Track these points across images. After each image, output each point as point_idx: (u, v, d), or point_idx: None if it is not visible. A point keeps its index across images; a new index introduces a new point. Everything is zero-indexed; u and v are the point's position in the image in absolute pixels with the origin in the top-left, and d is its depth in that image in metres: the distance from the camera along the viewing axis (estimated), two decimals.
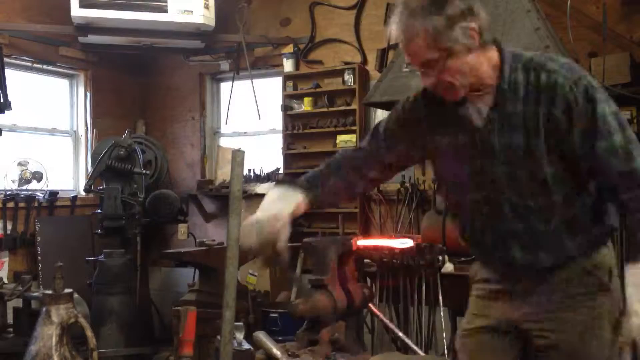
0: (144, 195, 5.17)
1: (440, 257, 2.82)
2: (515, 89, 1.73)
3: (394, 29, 1.69)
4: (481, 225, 1.85)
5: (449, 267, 2.97)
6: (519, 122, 1.70)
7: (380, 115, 5.50)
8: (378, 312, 3.07)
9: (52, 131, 5.91)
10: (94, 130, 5.96)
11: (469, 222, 1.89)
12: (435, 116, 1.82)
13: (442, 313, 2.87)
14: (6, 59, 4.94)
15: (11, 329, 3.13)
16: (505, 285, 1.87)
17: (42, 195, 5.34)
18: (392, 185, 5.39)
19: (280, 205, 1.74)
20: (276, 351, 1.49)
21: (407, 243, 1.77)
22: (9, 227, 5.12)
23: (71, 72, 5.96)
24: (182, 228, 5.84)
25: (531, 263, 1.77)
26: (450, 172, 1.87)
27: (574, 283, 1.77)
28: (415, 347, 2.88)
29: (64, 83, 6.03)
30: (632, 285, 1.61)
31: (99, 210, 5.27)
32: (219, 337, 1.58)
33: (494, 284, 1.92)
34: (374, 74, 5.41)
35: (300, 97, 5.71)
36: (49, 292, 1.54)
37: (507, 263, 1.81)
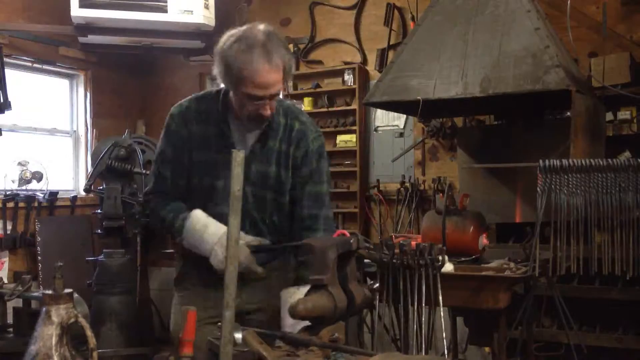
0: (144, 195, 5.16)
1: (440, 257, 2.82)
2: (276, 129, 2.14)
3: (249, 62, 1.91)
4: None
5: (449, 267, 2.96)
6: (273, 156, 2.13)
7: (380, 115, 5.51)
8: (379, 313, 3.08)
9: (52, 131, 5.91)
10: (94, 130, 5.96)
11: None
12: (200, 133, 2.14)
13: (442, 313, 2.87)
14: (6, 59, 4.94)
15: (11, 329, 3.13)
16: None
17: (42, 195, 5.34)
18: (392, 185, 5.40)
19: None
20: (263, 351, 1.49)
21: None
22: (9, 227, 5.12)
23: (71, 72, 5.96)
24: None
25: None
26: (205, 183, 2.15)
27: None
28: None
29: (64, 83, 6.03)
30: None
31: (99, 210, 5.27)
32: (210, 338, 1.58)
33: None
34: (374, 74, 5.41)
35: (300, 97, 5.71)
36: (49, 292, 1.54)
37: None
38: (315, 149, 2.19)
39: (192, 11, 5.29)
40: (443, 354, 3.03)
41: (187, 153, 2.14)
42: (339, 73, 5.59)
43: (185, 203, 2.16)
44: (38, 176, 5.37)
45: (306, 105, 5.65)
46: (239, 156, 1.28)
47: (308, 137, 2.17)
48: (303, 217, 2.17)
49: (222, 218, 2.03)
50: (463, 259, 3.26)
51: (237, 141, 2.12)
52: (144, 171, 5.16)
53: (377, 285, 1.89)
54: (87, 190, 5.23)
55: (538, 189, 2.97)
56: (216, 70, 2.04)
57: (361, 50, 5.57)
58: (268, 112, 2.03)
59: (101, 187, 5.19)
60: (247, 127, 2.12)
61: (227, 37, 2.01)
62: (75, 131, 6.05)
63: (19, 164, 5.32)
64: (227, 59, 1.96)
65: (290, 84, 2.14)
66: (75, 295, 1.71)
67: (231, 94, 2.10)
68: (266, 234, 2.17)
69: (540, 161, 2.97)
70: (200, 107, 2.17)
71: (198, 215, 2.09)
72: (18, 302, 3.02)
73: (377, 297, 2.90)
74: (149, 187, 2.24)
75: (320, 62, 5.78)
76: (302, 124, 2.19)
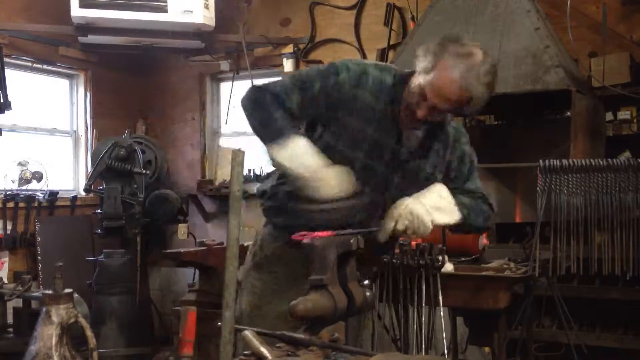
0: (144, 195, 5.17)
1: (440, 257, 2.82)
2: (438, 132, 2.15)
3: (455, 72, 1.89)
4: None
5: (449, 267, 2.97)
6: (432, 158, 2.13)
7: None
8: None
9: (52, 131, 5.91)
10: (94, 130, 5.96)
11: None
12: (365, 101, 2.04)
13: (442, 313, 2.87)
14: (6, 59, 4.94)
15: (11, 329, 3.13)
16: None
17: (42, 195, 5.33)
18: None
19: None
20: (264, 350, 1.49)
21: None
22: (9, 227, 5.11)
23: (71, 72, 5.96)
24: (182, 228, 5.84)
25: None
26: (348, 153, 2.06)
27: None
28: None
29: (64, 83, 6.03)
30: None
31: (99, 210, 5.27)
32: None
33: None
34: None
35: None
36: (49, 292, 1.54)
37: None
38: (470, 151, 2.29)
39: (192, 11, 5.29)
40: (443, 354, 3.04)
41: (335, 112, 2.04)
42: None
43: None
44: (38, 176, 5.37)
45: None
46: (238, 156, 1.28)
47: (462, 140, 2.25)
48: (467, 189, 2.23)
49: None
50: (463, 259, 3.26)
51: (404, 130, 2.08)
52: (144, 171, 5.16)
53: (367, 282, 1.86)
54: (87, 190, 5.22)
55: (538, 189, 2.97)
56: (424, 50, 1.98)
57: (361, 50, 5.57)
58: (422, 116, 1.99)
59: (101, 187, 5.19)
60: (412, 125, 2.08)
61: (448, 40, 1.98)
62: (75, 131, 6.05)
63: (19, 164, 5.32)
64: (433, 54, 1.93)
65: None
66: (75, 295, 1.71)
67: (413, 81, 2.01)
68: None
69: (540, 161, 2.98)
70: (380, 78, 2.06)
71: (306, 141, 2.00)
72: (18, 302, 3.02)
73: (377, 297, 2.91)
74: (274, 86, 2.08)
75: (320, 62, 5.78)
76: (455, 130, 2.25)
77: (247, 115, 2.12)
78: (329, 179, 1.96)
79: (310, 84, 2.04)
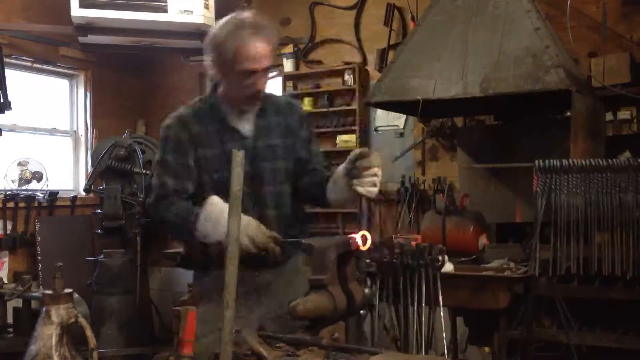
0: (144, 195, 5.17)
1: (440, 257, 2.82)
2: (269, 104, 2.27)
3: (240, 38, 2.04)
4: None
5: (449, 267, 2.97)
6: (276, 129, 2.24)
7: (380, 115, 5.51)
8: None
9: (52, 131, 5.91)
10: (94, 130, 5.96)
11: None
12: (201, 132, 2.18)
13: (442, 313, 2.87)
14: (6, 59, 4.94)
15: (11, 329, 3.13)
16: None
17: (42, 195, 5.33)
18: (392, 185, 5.39)
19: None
20: (262, 350, 1.49)
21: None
22: (9, 227, 5.11)
23: (71, 72, 5.96)
24: None
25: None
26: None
27: None
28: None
29: (64, 83, 6.03)
30: None
31: (99, 210, 5.27)
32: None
33: None
34: (374, 74, 5.41)
35: (300, 97, 5.71)
36: (49, 292, 1.54)
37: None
38: (304, 114, 2.41)
39: (192, 11, 5.29)
40: (443, 354, 3.04)
41: (191, 154, 2.16)
42: (339, 73, 5.59)
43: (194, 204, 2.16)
44: (38, 176, 5.37)
45: (306, 105, 5.65)
46: (238, 156, 1.28)
47: (294, 106, 2.35)
48: (321, 171, 2.28)
49: None
50: (463, 259, 3.27)
51: (237, 125, 2.20)
52: (144, 171, 5.16)
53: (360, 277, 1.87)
54: (87, 190, 5.23)
55: (538, 189, 2.97)
56: (208, 61, 2.14)
57: (361, 50, 5.57)
58: (264, 86, 2.14)
59: (101, 187, 5.19)
60: (242, 111, 2.20)
61: (214, 27, 2.17)
62: (75, 131, 6.05)
63: (19, 164, 5.32)
64: (218, 42, 2.09)
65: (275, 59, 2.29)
66: (75, 295, 1.71)
67: (221, 87, 2.20)
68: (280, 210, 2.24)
69: (537, 161, 2.97)
70: (195, 109, 2.22)
71: (215, 201, 2.06)
72: (18, 302, 3.02)
73: (377, 297, 2.91)
74: (152, 197, 2.20)
75: (320, 62, 5.78)
76: (283, 98, 2.43)
77: (171, 234, 2.26)
78: (243, 237, 1.96)
79: (165, 163, 2.18)
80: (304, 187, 2.28)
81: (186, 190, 2.16)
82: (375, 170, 2.02)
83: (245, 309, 2.08)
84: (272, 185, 2.20)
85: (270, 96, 2.30)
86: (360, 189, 2.01)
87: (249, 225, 1.98)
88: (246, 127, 2.20)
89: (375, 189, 2.04)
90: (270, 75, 2.21)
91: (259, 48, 2.06)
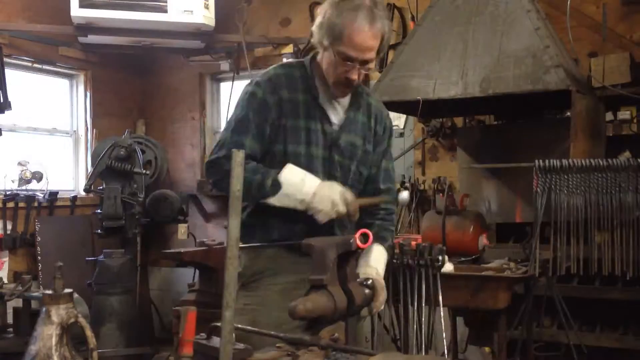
0: (144, 195, 5.17)
1: (440, 257, 2.82)
2: (360, 102, 2.22)
3: (353, 20, 1.94)
4: None
5: (449, 267, 2.97)
6: (360, 129, 2.18)
7: None
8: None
9: (52, 131, 5.91)
10: (94, 130, 5.96)
11: None
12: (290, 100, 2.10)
13: (442, 313, 2.87)
14: (6, 59, 4.94)
15: (11, 329, 3.13)
16: None
17: (42, 195, 5.33)
18: None
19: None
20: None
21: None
22: (9, 227, 5.11)
23: (71, 72, 5.96)
24: (182, 228, 5.84)
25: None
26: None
27: None
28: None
29: (64, 83, 6.03)
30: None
31: (99, 210, 5.27)
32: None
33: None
34: (374, 74, 5.41)
35: None
36: (49, 292, 1.54)
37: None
38: (389, 126, 2.31)
39: (192, 11, 5.29)
40: (443, 354, 3.04)
41: (274, 120, 2.08)
42: None
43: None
44: (38, 176, 5.37)
45: None
46: (238, 156, 1.28)
47: (384, 113, 2.27)
48: (381, 191, 2.24)
49: None
50: (463, 259, 3.27)
51: (327, 108, 2.13)
52: (144, 171, 5.16)
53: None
54: (87, 190, 5.22)
55: (537, 189, 2.97)
56: (316, 23, 2.04)
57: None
58: (356, 77, 2.03)
59: (101, 187, 5.19)
60: (333, 95, 2.12)
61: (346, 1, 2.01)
62: (75, 131, 6.05)
63: (19, 164, 5.32)
64: (332, 13, 1.98)
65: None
66: (75, 295, 1.71)
67: (320, 56, 2.10)
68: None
69: (536, 161, 2.97)
70: (289, 73, 2.13)
71: (293, 169, 2.03)
72: (18, 302, 3.02)
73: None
74: (219, 153, 2.08)
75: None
76: (376, 101, 2.30)
77: (227, 192, 2.10)
78: (326, 200, 1.99)
79: (245, 121, 2.09)
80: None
81: (257, 156, 2.08)
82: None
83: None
84: (342, 183, 2.12)
85: (365, 93, 2.23)
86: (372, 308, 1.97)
87: (333, 187, 1.99)
88: (335, 114, 2.14)
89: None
90: (370, 70, 2.09)
91: (367, 38, 1.97)
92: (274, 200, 2.02)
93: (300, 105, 2.09)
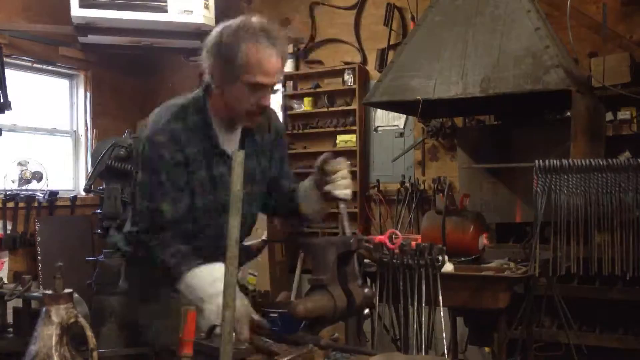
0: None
1: (440, 257, 2.82)
2: None
3: (256, 48, 1.86)
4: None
5: (449, 267, 2.96)
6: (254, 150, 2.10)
7: (380, 115, 5.51)
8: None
9: (52, 131, 5.91)
10: (94, 130, 5.96)
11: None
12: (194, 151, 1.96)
13: (442, 313, 2.87)
14: (6, 59, 4.94)
15: (11, 329, 3.12)
16: None
17: (42, 195, 5.33)
18: (392, 185, 5.40)
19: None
20: (275, 348, 1.49)
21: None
22: (9, 227, 5.11)
23: (71, 72, 5.96)
24: None
25: None
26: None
27: None
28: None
29: (64, 83, 6.03)
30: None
31: (99, 210, 5.26)
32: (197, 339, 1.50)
33: None
34: (374, 74, 5.41)
35: (300, 97, 5.71)
36: (49, 292, 1.54)
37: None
38: (282, 129, 2.27)
39: (192, 11, 5.30)
40: (443, 354, 3.03)
41: (186, 176, 1.95)
42: (339, 73, 5.59)
43: (189, 230, 1.98)
44: (38, 176, 5.37)
45: (306, 105, 5.65)
46: (239, 156, 1.28)
47: (277, 126, 2.22)
48: (288, 190, 2.23)
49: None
50: (463, 259, 3.26)
51: (227, 148, 2.02)
52: None
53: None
54: (87, 190, 5.22)
55: (537, 190, 2.97)
56: (209, 65, 1.92)
57: (361, 50, 5.57)
58: (269, 102, 1.96)
59: (101, 187, 5.19)
60: (231, 127, 2.03)
61: (223, 28, 1.95)
62: (75, 131, 6.05)
63: (19, 164, 5.32)
64: (227, 45, 1.88)
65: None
66: (75, 295, 1.70)
67: (217, 92, 1.96)
68: (244, 231, 2.16)
69: (537, 161, 2.97)
70: (185, 125, 1.97)
71: (205, 270, 1.85)
72: (18, 302, 3.02)
73: (377, 297, 2.91)
74: (142, 225, 1.96)
75: (320, 62, 5.78)
76: (265, 114, 2.15)
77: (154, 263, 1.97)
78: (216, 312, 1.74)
79: (160, 185, 1.93)
80: (275, 204, 2.23)
81: (182, 219, 1.94)
82: (345, 172, 1.99)
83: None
84: (246, 207, 1.98)
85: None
86: (336, 192, 1.98)
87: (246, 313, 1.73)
88: (232, 147, 2.03)
89: (349, 191, 2.00)
90: (276, 91, 2.06)
91: (273, 62, 1.89)
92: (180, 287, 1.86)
93: (202, 155, 1.97)
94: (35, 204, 5.28)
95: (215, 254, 1.87)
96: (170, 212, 1.92)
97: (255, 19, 1.96)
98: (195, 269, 1.82)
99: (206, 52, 1.94)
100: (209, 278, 1.79)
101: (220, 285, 1.42)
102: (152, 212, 1.92)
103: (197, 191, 1.99)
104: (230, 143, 2.04)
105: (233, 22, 1.96)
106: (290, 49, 5.72)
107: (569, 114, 3.73)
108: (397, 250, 2.89)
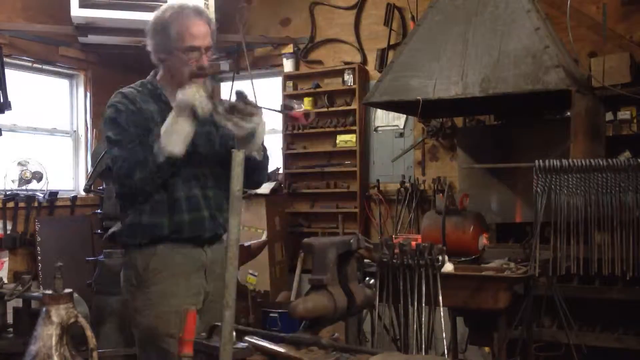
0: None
1: (440, 257, 2.82)
2: None
3: (183, 17, 2.17)
4: None
5: (449, 267, 2.97)
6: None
7: (380, 115, 5.51)
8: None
9: (52, 131, 5.91)
10: (94, 130, 5.96)
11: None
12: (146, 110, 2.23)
13: (442, 313, 2.87)
14: (6, 59, 4.94)
15: (11, 329, 3.12)
16: None
17: (42, 195, 5.33)
18: (392, 185, 5.40)
19: None
20: (279, 349, 1.49)
21: None
22: (9, 227, 5.11)
23: (71, 72, 5.96)
24: None
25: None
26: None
27: None
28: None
29: (64, 83, 6.03)
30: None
31: (99, 210, 5.27)
32: (197, 338, 1.53)
33: None
34: (374, 74, 5.41)
35: (300, 97, 5.71)
36: (49, 292, 1.54)
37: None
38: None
39: None
40: (443, 354, 3.04)
41: (146, 129, 2.17)
42: (339, 73, 5.59)
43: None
44: (38, 176, 5.37)
45: (306, 105, 5.65)
46: (238, 156, 1.28)
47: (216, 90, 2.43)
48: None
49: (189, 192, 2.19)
50: (463, 259, 3.26)
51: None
52: None
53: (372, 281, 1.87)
54: (87, 190, 5.22)
55: (537, 190, 2.97)
56: (151, 44, 2.27)
57: (361, 50, 5.57)
58: (206, 62, 2.19)
59: (101, 187, 5.19)
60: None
61: (156, 12, 2.26)
62: (75, 131, 6.05)
63: (19, 164, 5.32)
64: (162, 24, 2.20)
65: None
66: (75, 295, 1.71)
67: (162, 70, 2.30)
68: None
69: (537, 161, 2.97)
70: (136, 90, 2.31)
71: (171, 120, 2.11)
72: (18, 302, 3.02)
73: (377, 297, 2.91)
74: (121, 169, 2.14)
75: (320, 62, 5.78)
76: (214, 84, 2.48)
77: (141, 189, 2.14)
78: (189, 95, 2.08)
79: (124, 132, 2.18)
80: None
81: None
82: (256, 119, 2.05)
83: (192, 288, 2.13)
84: (210, 167, 2.24)
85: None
86: (230, 125, 2.02)
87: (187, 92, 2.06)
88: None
89: (247, 125, 2.03)
90: (211, 56, 2.26)
91: (201, 26, 2.18)
92: (165, 147, 2.06)
93: (155, 114, 2.20)
94: (35, 204, 5.28)
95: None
96: (142, 152, 2.09)
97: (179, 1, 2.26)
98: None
99: (147, 37, 2.29)
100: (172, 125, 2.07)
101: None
102: (128, 154, 2.12)
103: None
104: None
105: (163, 6, 2.27)
106: (290, 48, 5.73)
107: (569, 114, 3.73)
108: (397, 250, 2.89)
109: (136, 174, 2.09)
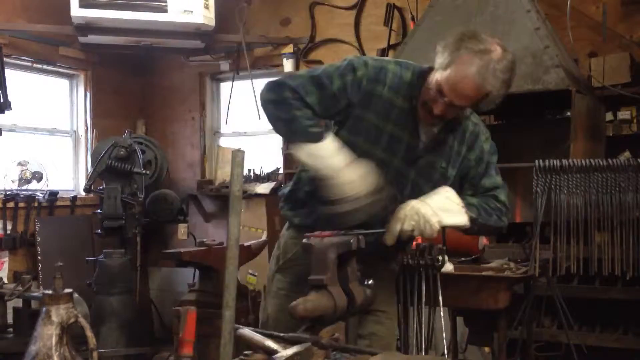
0: (144, 195, 5.16)
1: (440, 257, 2.82)
2: (455, 127, 2.13)
3: (464, 68, 1.90)
4: None
5: (449, 267, 2.97)
6: (446, 153, 2.12)
7: None
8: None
9: (52, 131, 5.90)
10: (94, 130, 5.96)
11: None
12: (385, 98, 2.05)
13: (442, 313, 2.87)
14: (6, 59, 4.94)
15: (11, 329, 3.13)
16: None
17: (42, 195, 5.33)
18: None
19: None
20: (270, 343, 1.49)
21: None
22: (9, 227, 5.11)
23: (71, 72, 5.96)
24: (182, 228, 5.84)
25: None
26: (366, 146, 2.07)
27: None
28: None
29: (64, 83, 6.03)
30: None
31: (99, 210, 5.27)
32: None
33: None
34: None
35: None
36: (49, 292, 1.54)
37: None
38: (488, 149, 2.26)
39: (192, 11, 5.29)
40: (443, 354, 3.03)
41: (345, 102, 2.04)
42: None
43: None
44: (38, 176, 5.37)
45: None
46: (238, 156, 1.28)
47: (481, 138, 2.22)
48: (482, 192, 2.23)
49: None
50: (463, 259, 3.26)
51: (420, 123, 2.07)
52: (144, 171, 5.16)
53: (371, 281, 1.86)
54: (87, 190, 5.22)
55: (537, 190, 2.97)
56: (442, 45, 1.99)
57: (361, 50, 5.57)
58: (438, 112, 1.99)
59: (101, 187, 5.19)
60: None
61: (473, 33, 1.99)
62: (75, 131, 6.05)
63: (19, 164, 5.32)
64: (455, 44, 1.94)
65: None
66: (75, 295, 1.71)
67: (431, 77, 2.02)
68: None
69: (537, 161, 2.97)
70: (398, 72, 2.07)
71: (332, 139, 1.99)
72: (18, 302, 3.02)
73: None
74: (293, 82, 2.03)
75: (320, 62, 5.77)
76: (474, 125, 2.21)
77: (268, 115, 2.06)
78: (352, 178, 1.92)
79: (328, 82, 2.03)
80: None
81: (316, 113, 2.03)
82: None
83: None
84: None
85: (464, 117, 2.16)
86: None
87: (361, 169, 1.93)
88: (425, 131, 2.09)
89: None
90: (464, 112, 2.09)
91: (468, 87, 1.93)
92: (302, 150, 1.96)
93: (394, 109, 2.04)
94: (35, 204, 5.28)
95: None
96: (312, 102, 1.99)
97: (499, 45, 1.96)
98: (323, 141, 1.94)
99: (453, 35, 1.98)
100: (331, 148, 1.94)
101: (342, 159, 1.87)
102: (302, 87, 2.00)
103: (353, 127, 2.05)
104: (426, 128, 2.09)
105: (485, 36, 1.98)
106: (290, 48, 5.72)
107: (569, 114, 3.73)
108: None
109: (272, 109, 2.02)
